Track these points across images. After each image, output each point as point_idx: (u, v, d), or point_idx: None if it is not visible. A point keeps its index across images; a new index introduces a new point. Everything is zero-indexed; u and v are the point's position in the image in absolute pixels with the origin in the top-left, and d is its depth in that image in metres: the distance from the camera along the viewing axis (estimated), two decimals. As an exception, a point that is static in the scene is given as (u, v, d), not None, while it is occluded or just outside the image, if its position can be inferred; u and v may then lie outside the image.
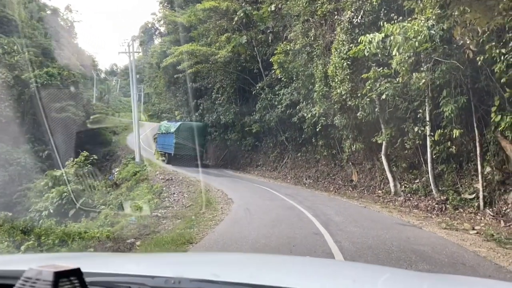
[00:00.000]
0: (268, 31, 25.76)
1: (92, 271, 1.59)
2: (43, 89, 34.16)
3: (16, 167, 30.05)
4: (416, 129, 13.41)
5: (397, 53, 11.62)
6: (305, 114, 20.09)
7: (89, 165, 22.85)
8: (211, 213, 11.84)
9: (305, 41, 20.03)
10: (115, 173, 28.17)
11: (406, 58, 11.95)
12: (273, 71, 23.36)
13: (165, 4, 39.17)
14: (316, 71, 18.68)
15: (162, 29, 41.49)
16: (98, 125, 41.08)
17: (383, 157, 15.74)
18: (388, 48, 11.80)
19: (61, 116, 33.88)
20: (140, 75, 56.27)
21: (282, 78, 22.46)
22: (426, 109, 12.97)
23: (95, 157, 24.30)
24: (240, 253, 5.82)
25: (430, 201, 12.79)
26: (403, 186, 14.88)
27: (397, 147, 15.12)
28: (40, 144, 32.58)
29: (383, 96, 13.53)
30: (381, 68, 13.68)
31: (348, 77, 15.54)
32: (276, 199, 14.83)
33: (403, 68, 12.16)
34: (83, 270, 1.20)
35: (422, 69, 12.07)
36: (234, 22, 26.76)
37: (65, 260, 2.38)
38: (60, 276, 1.11)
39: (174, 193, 16.33)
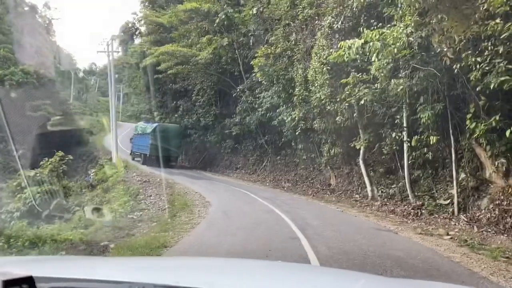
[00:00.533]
0: (250, 34, 25.73)
1: (51, 276, 1.52)
2: (18, 87, 33.40)
3: (-12, 166, 29.19)
4: (393, 134, 13.56)
5: (376, 59, 11.72)
6: (285, 118, 20.11)
7: (64, 166, 22.32)
8: (188, 216, 11.69)
9: (286, 45, 20.12)
10: (92, 174, 27.63)
11: (385, 64, 12.05)
12: (254, 74, 23.31)
13: (146, 4, 38.73)
14: (296, 75, 18.75)
15: (143, 29, 40.78)
16: (75, 125, 40.26)
17: (361, 162, 15.86)
18: (367, 54, 11.87)
19: (36, 115, 33.16)
20: (119, 75, 55.50)
21: (263, 81, 22.45)
22: (404, 115, 13.12)
23: (71, 157, 23.70)
24: (209, 258, 5.74)
25: (406, 206, 12.91)
26: (380, 191, 15.01)
27: (374, 152, 15.27)
28: (14, 143, 31.66)
29: (362, 102, 13.63)
30: (360, 73, 13.78)
31: (327, 82, 15.63)
32: (254, 203, 14.76)
33: (382, 74, 12.27)
34: (40, 275, 1.14)
35: (400, 75, 12.20)
36: (215, 24, 26.67)
37: (27, 264, 2.27)
38: (10, 284, 1.05)
39: (150, 195, 16.08)
